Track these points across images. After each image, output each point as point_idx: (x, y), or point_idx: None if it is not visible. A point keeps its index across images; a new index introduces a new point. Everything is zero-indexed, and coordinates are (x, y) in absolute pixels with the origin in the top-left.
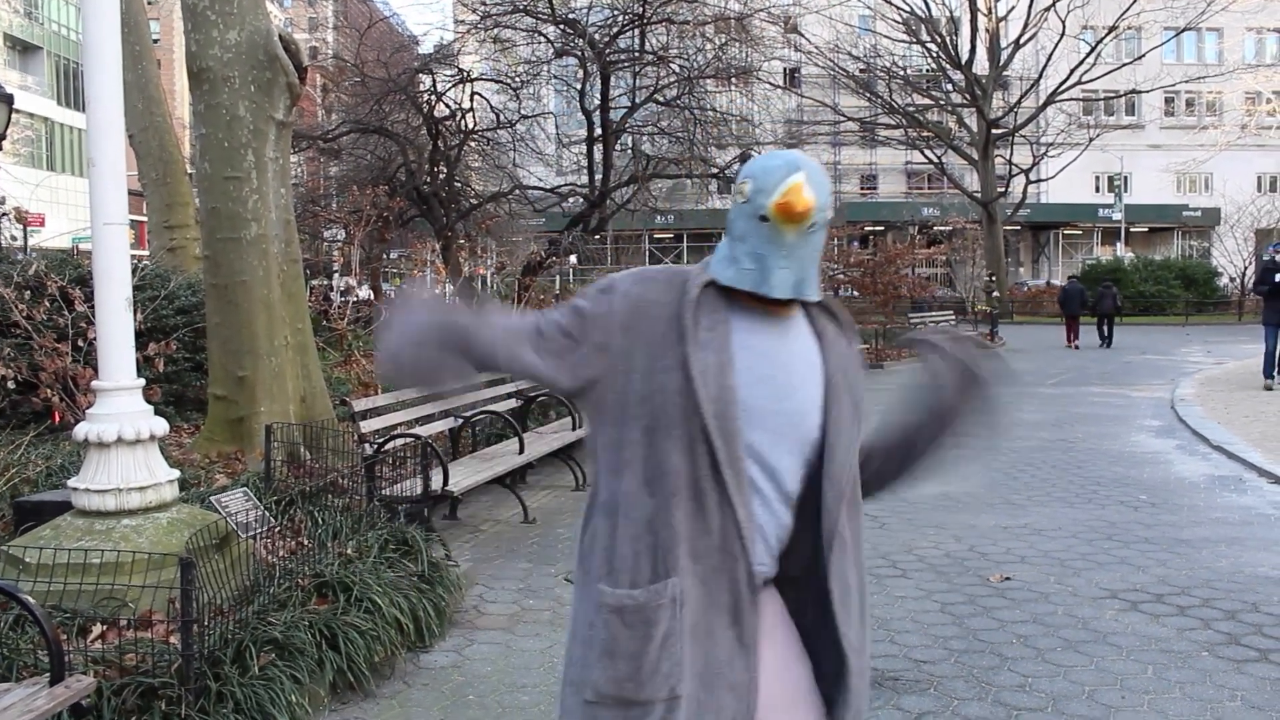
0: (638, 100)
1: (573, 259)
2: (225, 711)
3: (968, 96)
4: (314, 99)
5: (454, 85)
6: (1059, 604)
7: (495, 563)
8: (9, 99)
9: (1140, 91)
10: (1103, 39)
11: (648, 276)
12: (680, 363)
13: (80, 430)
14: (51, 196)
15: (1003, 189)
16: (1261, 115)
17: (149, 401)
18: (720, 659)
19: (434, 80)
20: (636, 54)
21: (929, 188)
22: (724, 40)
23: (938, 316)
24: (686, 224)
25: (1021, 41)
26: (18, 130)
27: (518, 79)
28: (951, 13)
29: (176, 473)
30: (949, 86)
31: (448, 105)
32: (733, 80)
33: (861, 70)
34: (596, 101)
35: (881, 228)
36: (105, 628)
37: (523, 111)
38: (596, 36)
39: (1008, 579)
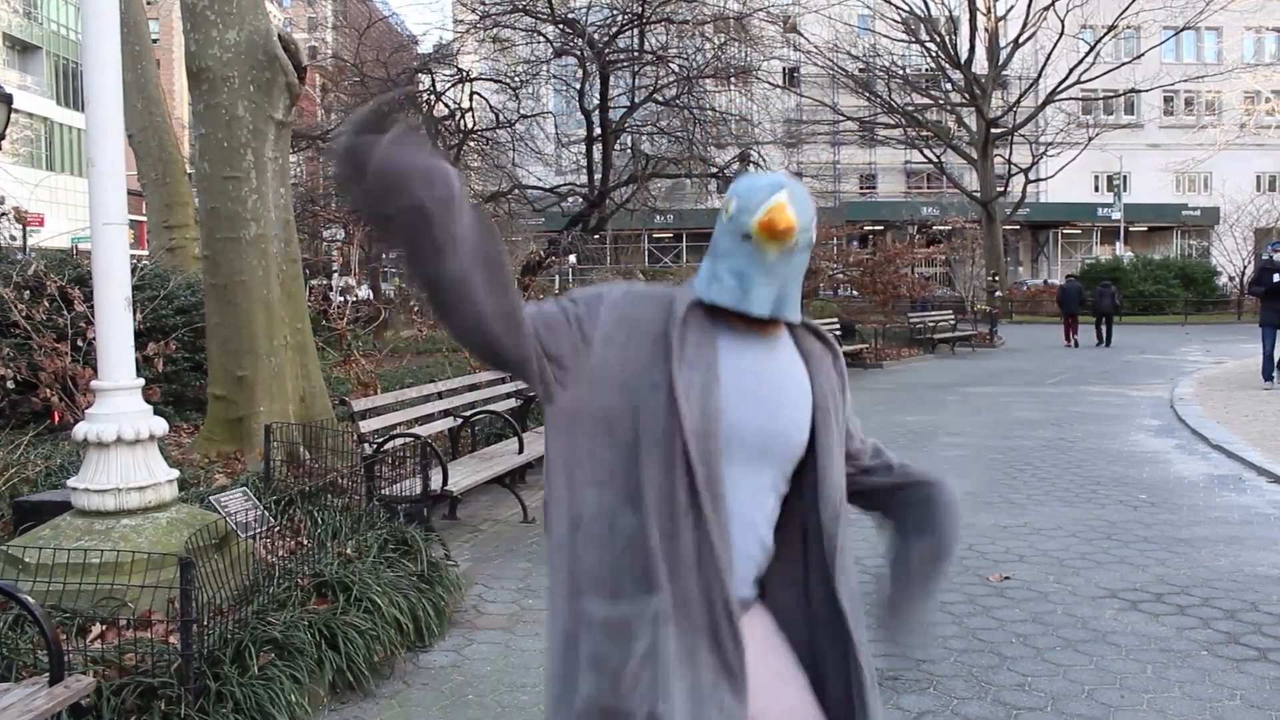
0: (637, 100)
1: (572, 259)
2: (225, 711)
3: (967, 96)
4: (313, 99)
5: (453, 85)
6: (1058, 603)
7: (495, 562)
8: (8, 99)
9: (1139, 91)
10: (1102, 38)
11: (636, 294)
12: (665, 381)
13: (79, 430)
14: (51, 196)
15: (1002, 188)
16: (1260, 114)
17: (148, 401)
18: (705, 682)
19: (433, 80)
20: (636, 53)
21: (928, 187)
22: (723, 40)
23: (937, 316)
24: (686, 223)
25: (1020, 41)
26: (17, 130)
27: (517, 79)
28: (950, 12)
29: (176, 472)
30: (948, 86)
31: (447, 105)
32: (732, 80)
33: (861, 70)
34: (596, 101)
35: (881, 227)
36: (105, 627)
37: (522, 111)
38: (596, 36)
39: (1007, 578)
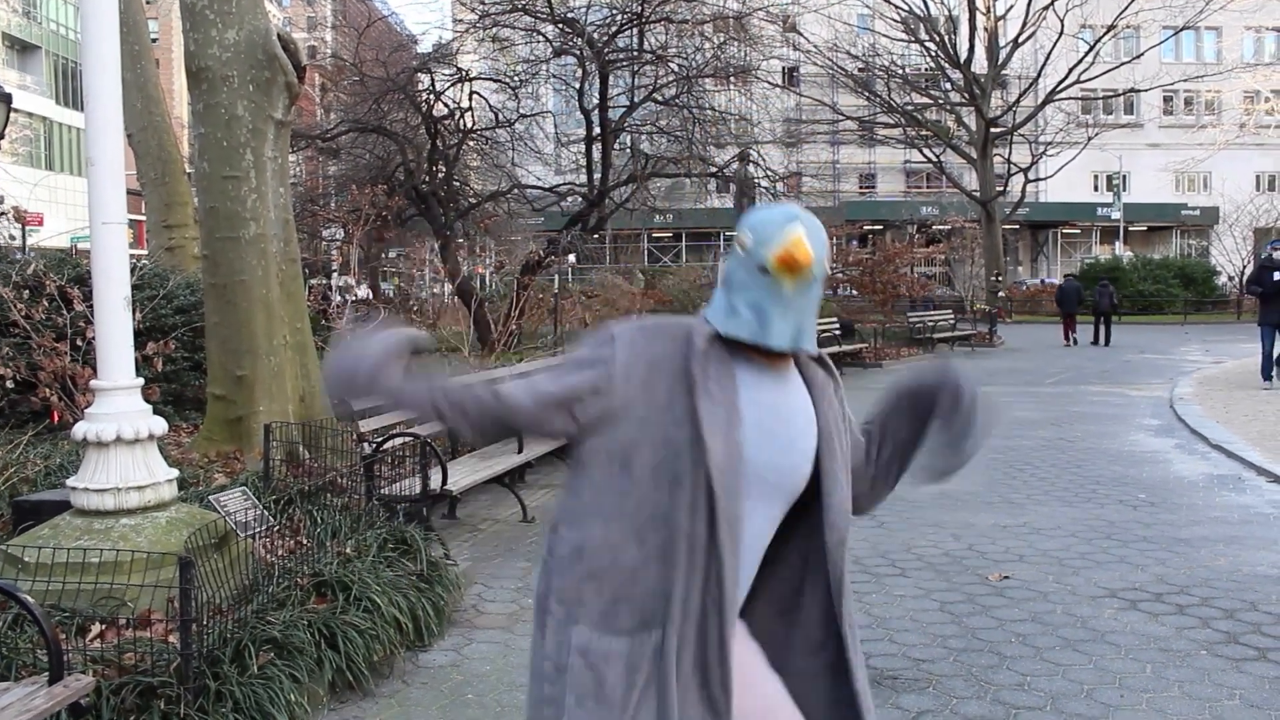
0: (636, 99)
1: (571, 258)
2: (224, 711)
3: (966, 95)
4: (312, 98)
5: (452, 84)
6: (1058, 603)
7: (494, 562)
8: (7, 98)
9: (1139, 90)
10: (1101, 38)
11: (648, 329)
12: (690, 416)
13: (79, 429)
14: (50, 196)
15: (1001, 188)
16: (1260, 114)
17: (148, 401)
18: (690, 716)
19: (432, 79)
20: (635, 53)
21: (928, 187)
22: (722, 39)
23: (936, 316)
24: (685, 223)
25: (1020, 40)
26: (16, 129)
27: (516, 78)
28: (950, 12)
29: (175, 472)
30: (948, 85)
31: (446, 104)
32: (731, 79)
33: (860, 69)
34: (595, 100)
35: (880, 227)
36: (104, 627)
37: (521, 111)
38: (595, 35)
39: (1006, 578)
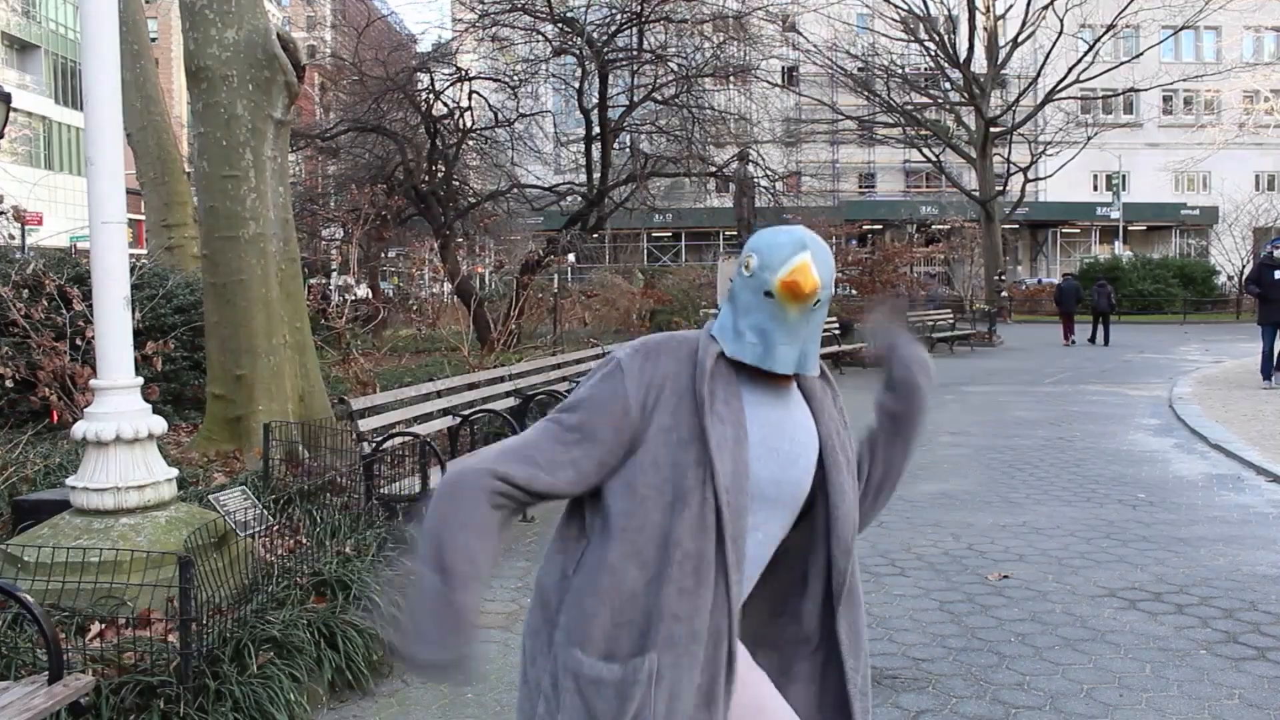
0: (636, 99)
1: (571, 257)
2: (224, 710)
3: (966, 95)
4: (312, 98)
5: (452, 84)
6: (1057, 602)
7: None
8: (7, 97)
9: (1138, 90)
10: (1101, 37)
11: (652, 350)
12: (698, 436)
13: (78, 429)
14: (49, 195)
15: (1001, 187)
16: (1259, 114)
17: (147, 400)
18: None
19: (432, 79)
20: (635, 52)
21: (927, 186)
22: (722, 39)
23: (936, 315)
24: (684, 222)
25: (1020, 40)
26: (15, 129)
27: (516, 78)
28: (950, 11)
29: (175, 471)
30: (947, 85)
31: (446, 104)
32: (731, 79)
33: (860, 69)
34: (594, 100)
35: (880, 226)
36: (104, 626)
37: (521, 110)
38: (594, 35)
39: (1006, 577)
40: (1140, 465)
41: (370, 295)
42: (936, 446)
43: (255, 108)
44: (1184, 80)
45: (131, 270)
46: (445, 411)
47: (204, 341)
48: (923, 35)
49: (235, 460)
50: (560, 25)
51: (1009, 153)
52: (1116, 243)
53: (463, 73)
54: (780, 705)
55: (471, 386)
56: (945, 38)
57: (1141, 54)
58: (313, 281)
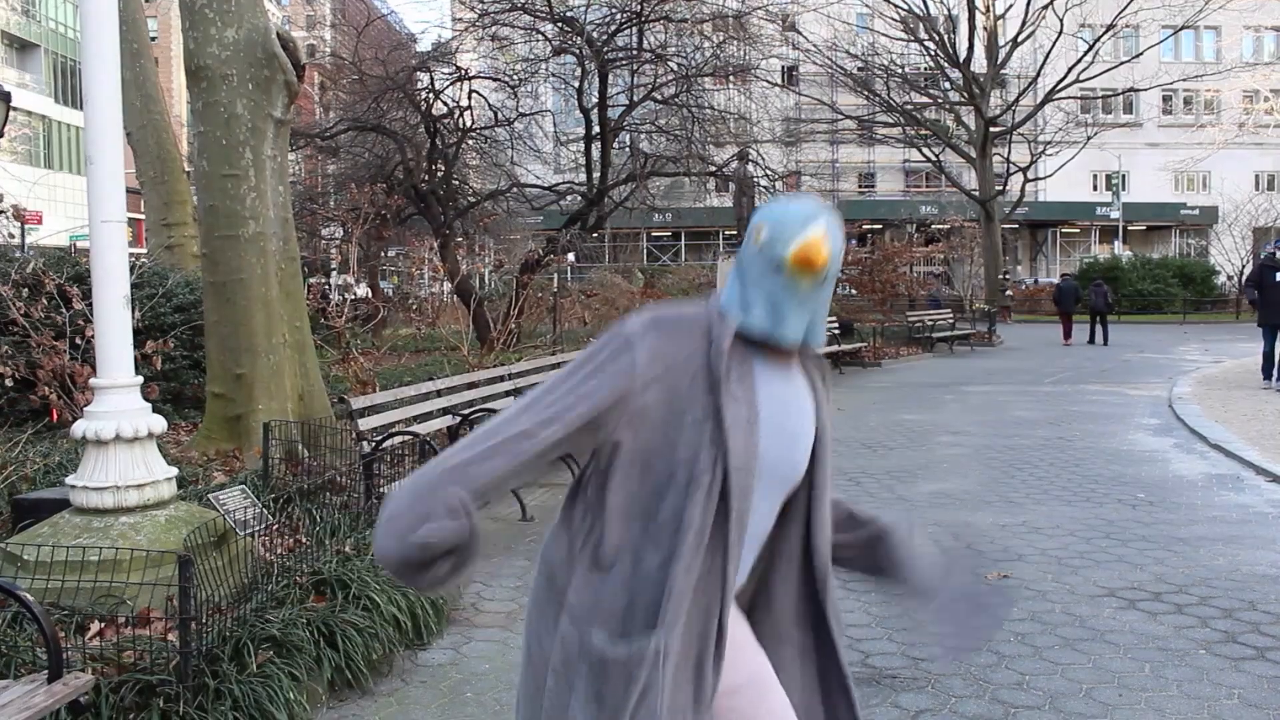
0: (636, 98)
1: (570, 257)
2: (223, 709)
3: (965, 95)
4: (312, 97)
5: (452, 83)
6: (1057, 602)
7: (493, 560)
8: (7, 96)
9: (1138, 90)
10: (1101, 37)
11: (664, 326)
12: (713, 414)
13: (78, 428)
14: (49, 194)
15: (1001, 187)
16: (1259, 114)
17: (147, 399)
18: (681, 706)
19: (431, 78)
20: (634, 52)
21: (927, 186)
22: (722, 38)
23: (936, 315)
24: (684, 222)
25: (1019, 40)
26: (15, 128)
27: (515, 77)
28: (949, 11)
29: (174, 470)
30: (947, 85)
31: (445, 103)
32: (731, 78)
33: (859, 68)
34: (594, 99)
35: (879, 226)
36: (103, 625)
37: (520, 109)
38: (594, 34)
39: (1005, 577)
40: (1140, 465)
41: (370, 294)
42: (936, 446)
43: (255, 107)
44: (1184, 80)
45: (131, 269)
46: (445, 411)
47: (204, 340)
48: (922, 35)
49: (235, 459)
50: (560, 24)
51: (1009, 152)
52: (1116, 242)
53: (462, 72)
54: (778, 686)
55: (471, 386)
56: (945, 37)
57: (1141, 54)
58: (312, 281)
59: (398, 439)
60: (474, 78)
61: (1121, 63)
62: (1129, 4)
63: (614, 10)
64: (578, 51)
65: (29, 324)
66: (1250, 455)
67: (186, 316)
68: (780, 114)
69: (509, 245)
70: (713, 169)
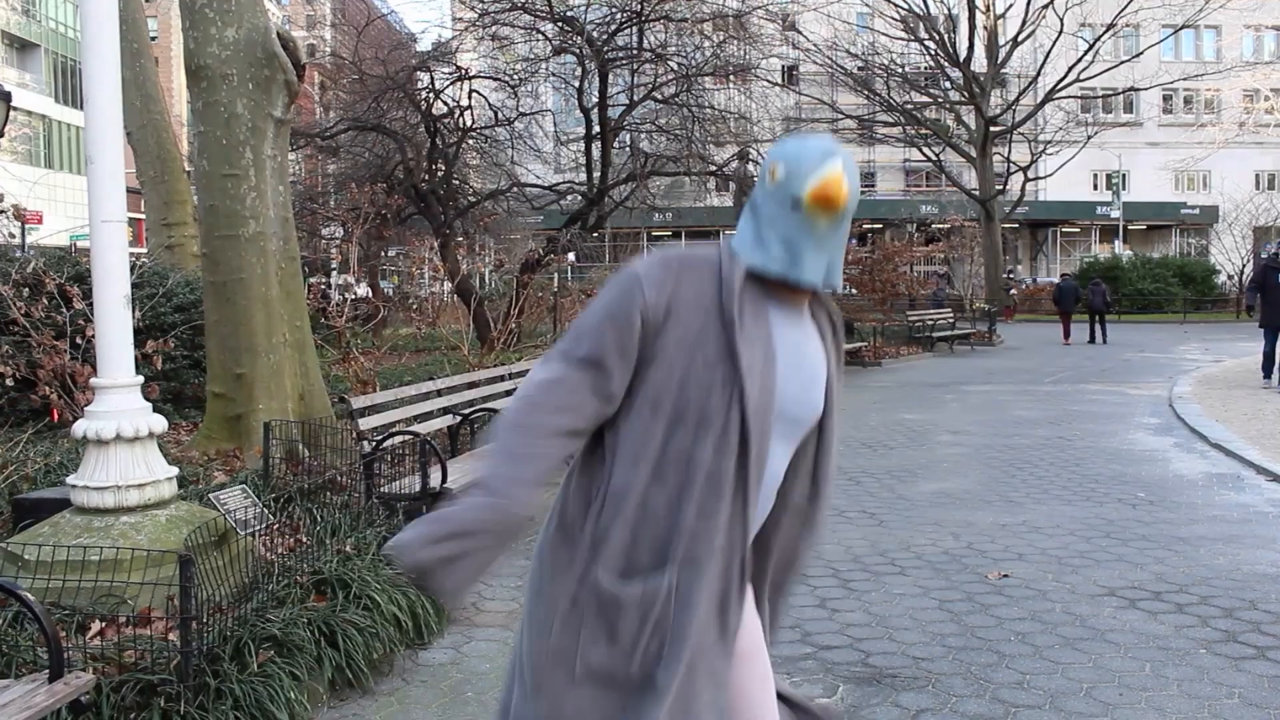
0: (636, 98)
1: (571, 256)
2: (224, 708)
3: (966, 94)
4: (312, 97)
5: (452, 83)
6: (1057, 601)
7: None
8: (7, 96)
9: (1138, 89)
10: (1101, 36)
11: (674, 265)
12: (727, 355)
13: (79, 427)
14: (49, 194)
15: (1001, 186)
16: (1259, 113)
17: (147, 399)
18: (705, 646)
19: (432, 78)
20: (635, 51)
21: (927, 185)
22: (722, 38)
23: (936, 315)
24: (684, 221)
25: (1020, 39)
26: (15, 128)
27: (515, 77)
28: (950, 10)
29: (175, 470)
30: (947, 84)
31: (446, 103)
32: (731, 78)
33: (859, 68)
34: (594, 99)
35: (879, 225)
36: (104, 625)
37: (521, 109)
38: (594, 34)
39: (1006, 576)
40: (1140, 464)
41: (370, 294)
42: (936, 446)
43: (255, 106)
44: (1184, 79)
45: (131, 269)
46: (445, 410)
47: (204, 340)
48: (922, 34)
49: (235, 459)
50: (560, 24)
51: (1009, 152)
52: (1116, 242)
53: (462, 72)
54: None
55: (471, 385)
56: (945, 37)
57: (1141, 53)
58: (312, 280)
59: (398, 439)
60: (474, 77)
61: (1122, 62)
62: (1129, 3)
63: (614, 10)
64: (578, 51)
65: (29, 324)
66: (1250, 454)
67: (187, 316)
68: (780, 113)
69: (509, 245)
70: (713, 168)
